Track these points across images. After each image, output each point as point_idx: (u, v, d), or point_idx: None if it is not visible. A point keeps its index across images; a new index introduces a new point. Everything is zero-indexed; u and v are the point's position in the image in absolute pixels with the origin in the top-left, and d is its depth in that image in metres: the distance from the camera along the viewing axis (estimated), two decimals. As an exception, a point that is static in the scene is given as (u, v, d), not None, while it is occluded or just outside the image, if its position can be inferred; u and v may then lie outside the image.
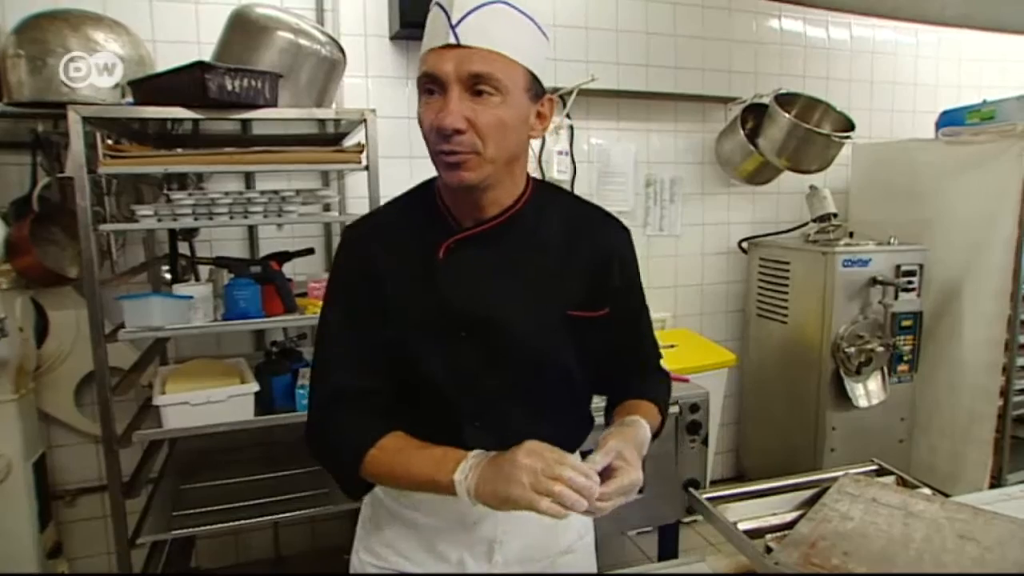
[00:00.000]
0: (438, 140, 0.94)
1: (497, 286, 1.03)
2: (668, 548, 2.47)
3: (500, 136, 0.95)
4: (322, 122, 2.35)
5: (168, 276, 2.30)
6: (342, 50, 2.13)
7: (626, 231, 1.15)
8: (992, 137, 2.81)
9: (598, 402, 1.20)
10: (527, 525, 1.10)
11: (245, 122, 2.30)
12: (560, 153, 2.83)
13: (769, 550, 1.09)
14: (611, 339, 1.12)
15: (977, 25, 3.53)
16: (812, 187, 3.08)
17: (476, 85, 0.93)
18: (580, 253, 1.08)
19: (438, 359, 1.03)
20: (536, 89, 0.99)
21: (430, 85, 0.95)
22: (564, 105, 2.75)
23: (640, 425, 1.03)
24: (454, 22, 0.92)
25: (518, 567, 1.11)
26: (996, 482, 2.84)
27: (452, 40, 0.92)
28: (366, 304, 1.04)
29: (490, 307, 1.02)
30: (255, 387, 1.91)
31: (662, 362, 1.24)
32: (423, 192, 1.10)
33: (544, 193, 1.10)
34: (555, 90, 2.63)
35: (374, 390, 1.04)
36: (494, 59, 0.93)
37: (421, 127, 0.98)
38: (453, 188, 0.99)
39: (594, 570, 1.25)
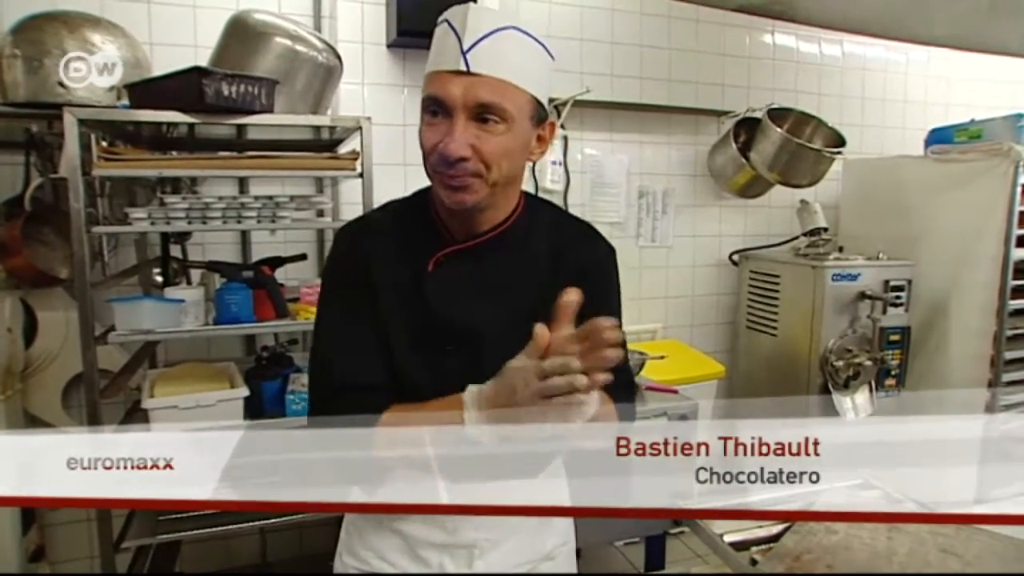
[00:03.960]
0: (440, 163, 0.95)
1: (485, 300, 1.03)
2: (655, 559, 2.48)
3: (503, 162, 0.96)
4: (317, 128, 2.36)
5: (160, 279, 2.29)
6: (339, 57, 2.14)
7: (610, 248, 1.14)
8: (980, 156, 2.85)
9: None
10: (508, 531, 1.11)
11: (240, 127, 2.31)
12: (554, 163, 2.85)
13: (754, 562, 1.10)
14: None
15: (965, 46, 3.58)
16: (803, 201, 3.11)
17: (483, 114, 0.93)
18: (565, 267, 1.08)
19: (424, 371, 1.03)
20: (539, 114, 1.00)
21: (435, 108, 0.95)
22: (559, 116, 2.77)
23: None
24: (466, 47, 0.92)
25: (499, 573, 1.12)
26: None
27: (462, 67, 0.92)
28: (362, 301, 1.04)
29: (477, 321, 1.02)
30: (245, 392, 1.90)
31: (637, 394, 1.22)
32: (417, 202, 1.11)
33: (535, 208, 1.11)
34: (550, 100, 2.65)
35: (374, 386, 1.03)
36: (503, 88, 0.94)
37: (421, 145, 0.98)
38: (450, 207, 1.00)
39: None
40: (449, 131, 0.93)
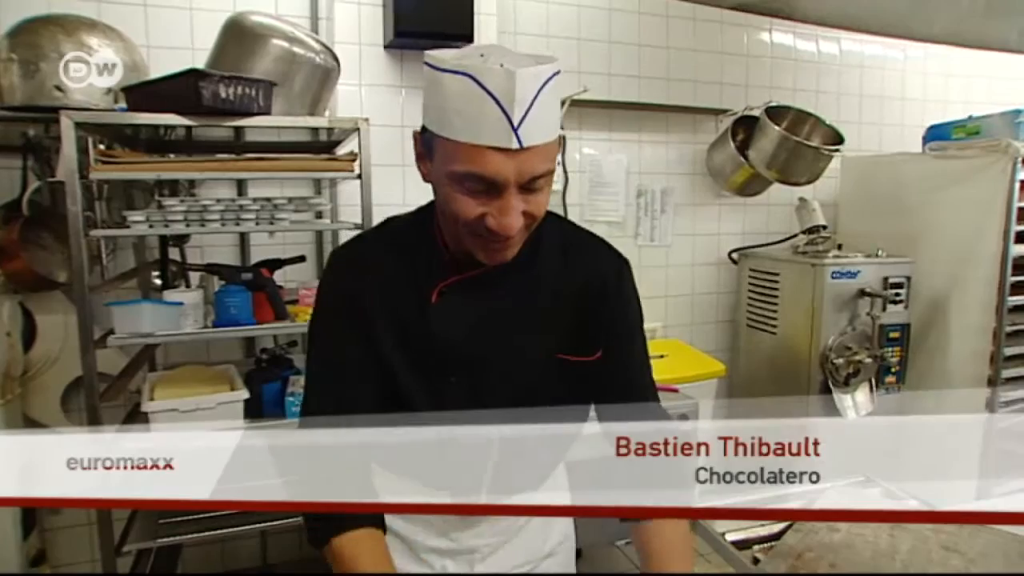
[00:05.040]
0: (486, 232, 0.89)
1: (491, 329, 1.00)
2: (657, 558, 2.46)
3: (542, 211, 0.92)
4: (315, 130, 2.36)
5: (158, 282, 2.29)
6: (336, 58, 2.13)
7: (622, 264, 1.09)
8: (978, 152, 2.85)
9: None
10: (510, 537, 1.11)
11: (238, 129, 2.31)
12: (552, 163, 2.84)
13: (756, 561, 1.10)
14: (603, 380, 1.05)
15: (964, 42, 3.59)
16: (801, 199, 3.11)
17: (532, 184, 0.87)
18: (573, 290, 1.04)
19: (426, 397, 1.01)
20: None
21: (480, 185, 0.86)
22: (557, 115, 2.76)
23: None
24: (516, 122, 0.82)
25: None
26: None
27: (514, 144, 0.82)
28: (353, 331, 1.01)
29: (482, 350, 1.00)
30: (245, 394, 1.90)
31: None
32: (419, 224, 1.04)
33: (543, 227, 1.04)
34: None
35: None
36: (550, 150, 0.87)
37: (453, 211, 0.89)
38: (487, 262, 0.95)
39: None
40: (502, 208, 0.86)
